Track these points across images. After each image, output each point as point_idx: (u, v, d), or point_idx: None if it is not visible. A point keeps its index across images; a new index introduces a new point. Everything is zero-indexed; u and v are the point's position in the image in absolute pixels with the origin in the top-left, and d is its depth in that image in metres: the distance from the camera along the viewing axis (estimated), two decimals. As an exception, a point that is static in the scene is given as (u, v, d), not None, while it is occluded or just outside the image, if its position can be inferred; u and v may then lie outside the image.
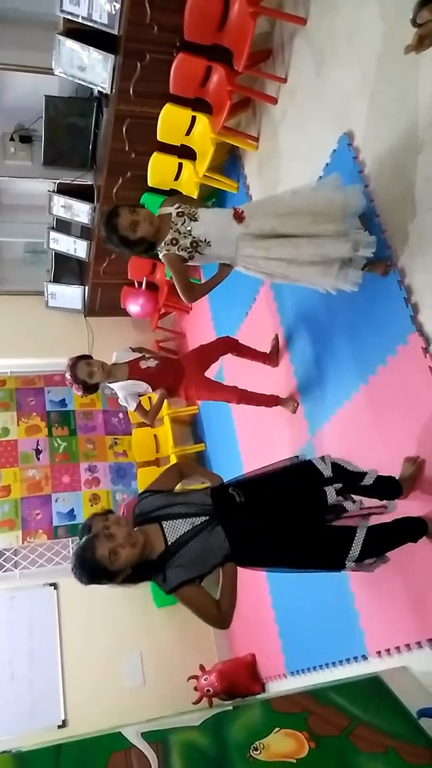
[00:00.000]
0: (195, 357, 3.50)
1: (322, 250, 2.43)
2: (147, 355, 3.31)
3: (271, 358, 3.60)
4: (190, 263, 2.54)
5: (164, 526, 1.96)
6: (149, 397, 3.44)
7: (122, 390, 3.20)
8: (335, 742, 2.08)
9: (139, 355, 3.30)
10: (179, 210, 2.49)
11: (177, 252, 2.47)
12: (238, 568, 2.03)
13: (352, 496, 2.18)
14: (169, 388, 3.27)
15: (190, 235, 2.45)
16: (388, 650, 2.56)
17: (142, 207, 2.47)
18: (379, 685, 2.38)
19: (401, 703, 2.26)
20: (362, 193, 2.50)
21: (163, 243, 2.47)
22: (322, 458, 2.19)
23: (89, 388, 3.14)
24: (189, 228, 2.45)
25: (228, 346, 3.55)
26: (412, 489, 2.34)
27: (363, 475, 2.22)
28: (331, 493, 2.06)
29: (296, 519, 2.05)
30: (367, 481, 2.22)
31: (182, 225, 2.46)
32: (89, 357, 3.19)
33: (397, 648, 2.50)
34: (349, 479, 2.17)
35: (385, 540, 2.14)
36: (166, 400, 3.45)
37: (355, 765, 1.99)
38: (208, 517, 1.98)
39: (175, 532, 1.94)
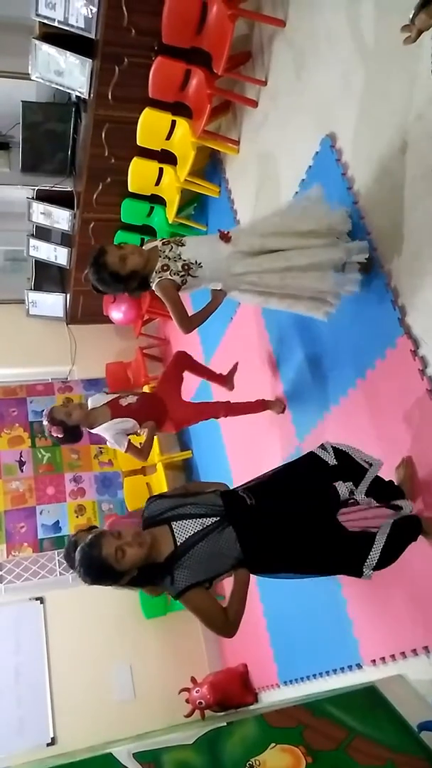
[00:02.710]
0: (166, 384, 3.46)
1: (313, 258, 2.41)
2: (123, 394, 3.23)
3: (227, 381, 3.60)
4: (183, 291, 2.46)
5: (174, 526, 1.90)
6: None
7: (108, 431, 3.08)
8: (333, 756, 2.02)
9: (116, 395, 3.21)
10: (165, 240, 2.49)
11: (170, 277, 2.41)
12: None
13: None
14: (156, 420, 3.19)
15: (180, 258, 2.41)
16: (383, 658, 2.52)
17: (126, 243, 2.45)
18: (375, 694, 2.33)
19: (398, 713, 2.21)
20: (347, 215, 2.48)
21: (154, 273, 2.42)
22: (322, 446, 2.12)
23: (70, 431, 3.03)
24: (178, 252, 2.42)
25: (184, 360, 3.53)
26: (415, 489, 2.29)
27: (366, 467, 2.14)
28: (342, 489, 2.01)
29: (310, 518, 1.99)
30: (371, 474, 2.14)
31: (170, 251, 2.43)
32: (64, 402, 3.16)
33: (392, 656, 2.46)
34: (353, 469, 2.10)
35: (397, 544, 2.07)
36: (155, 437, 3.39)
37: (353, 779, 1.94)
38: (218, 518, 1.92)
39: (185, 532, 1.88)
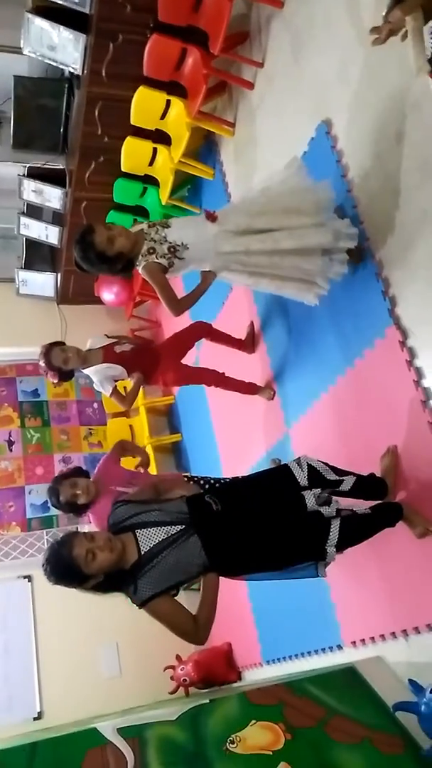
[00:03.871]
0: (171, 345, 3.46)
1: (301, 240, 2.40)
2: (122, 340, 3.26)
3: (246, 344, 3.58)
4: (170, 273, 2.45)
5: (138, 534, 1.88)
6: (124, 387, 3.39)
7: (97, 374, 3.14)
8: (311, 734, 2.09)
9: (114, 340, 3.24)
10: (150, 223, 2.48)
11: (156, 260, 2.39)
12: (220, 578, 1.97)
13: (331, 496, 2.13)
14: (145, 373, 3.22)
15: (166, 240, 2.40)
16: (363, 640, 2.58)
17: (114, 224, 2.43)
18: (354, 675, 2.41)
19: (376, 693, 2.29)
20: (331, 185, 2.46)
21: (140, 256, 2.40)
22: (298, 461, 2.13)
23: (64, 375, 3.07)
24: (164, 234, 2.41)
25: (202, 330, 3.51)
26: (397, 479, 2.33)
27: (339, 482, 2.18)
28: (309, 498, 2.02)
29: (274, 525, 2.00)
30: (344, 487, 2.18)
31: (156, 234, 2.41)
32: (63, 343, 3.12)
33: (372, 638, 2.52)
34: (325, 486, 2.13)
35: (363, 526, 2.13)
36: (141, 388, 3.41)
37: (330, 756, 2.01)
38: (183, 526, 1.90)
39: (149, 540, 1.86)
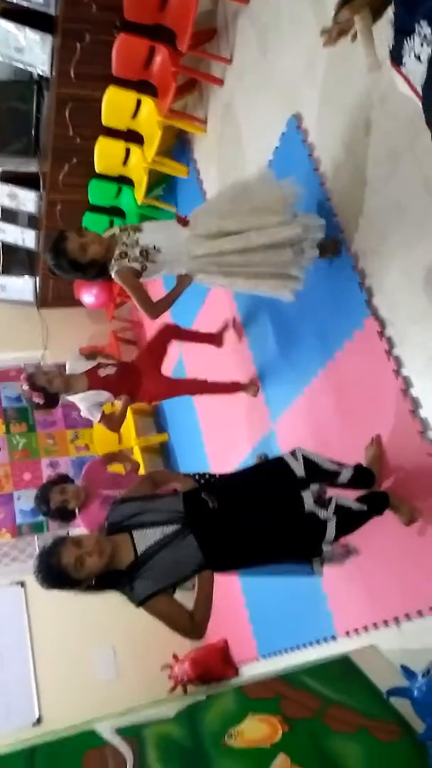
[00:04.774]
0: (147, 357, 3.45)
1: (272, 237, 2.40)
2: (103, 362, 3.21)
3: (216, 339, 3.59)
4: (144, 277, 2.45)
5: (134, 535, 1.89)
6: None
7: (84, 402, 3.10)
8: (308, 725, 2.11)
9: (94, 363, 3.19)
10: (122, 227, 2.48)
11: (128, 264, 2.39)
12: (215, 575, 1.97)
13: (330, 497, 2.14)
14: (131, 393, 3.20)
15: (138, 244, 2.40)
16: (356, 630, 2.61)
17: (87, 230, 2.43)
18: (349, 664, 2.43)
19: (371, 681, 2.31)
20: (297, 181, 2.47)
21: (113, 260, 2.40)
22: (293, 453, 2.13)
23: (50, 397, 3.02)
24: (135, 238, 2.40)
25: (170, 333, 3.51)
26: (382, 468, 2.35)
27: (337, 473, 2.20)
28: (308, 499, 2.02)
29: (270, 525, 2.00)
30: (342, 479, 2.20)
31: (128, 237, 2.41)
32: (43, 368, 3.13)
33: (365, 627, 2.55)
34: (323, 478, 2.15)
35: (353, 519, 2.13)
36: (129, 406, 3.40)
37: (328, 746, 2.03)
38: (179, 526, 1.91)
39: (145, 541, 1.87)
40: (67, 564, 1.79)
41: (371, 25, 1.31)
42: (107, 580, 1.87)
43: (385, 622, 2.43)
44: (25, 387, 3.01)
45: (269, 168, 2.57)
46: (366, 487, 2.31)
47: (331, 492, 2.16)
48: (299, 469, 2.08)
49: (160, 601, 1.86)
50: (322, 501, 2.05)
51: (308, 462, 2.12)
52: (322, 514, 2.01)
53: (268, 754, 1.96)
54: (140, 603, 1.85)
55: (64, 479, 3.18)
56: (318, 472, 2.13)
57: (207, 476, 3.04)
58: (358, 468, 2.28)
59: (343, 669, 2.43)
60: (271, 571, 2.11)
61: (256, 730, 2.06)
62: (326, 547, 2.00)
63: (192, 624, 1.90)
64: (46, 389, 2.97)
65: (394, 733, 2.08)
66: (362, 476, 2.29)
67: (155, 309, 2.55)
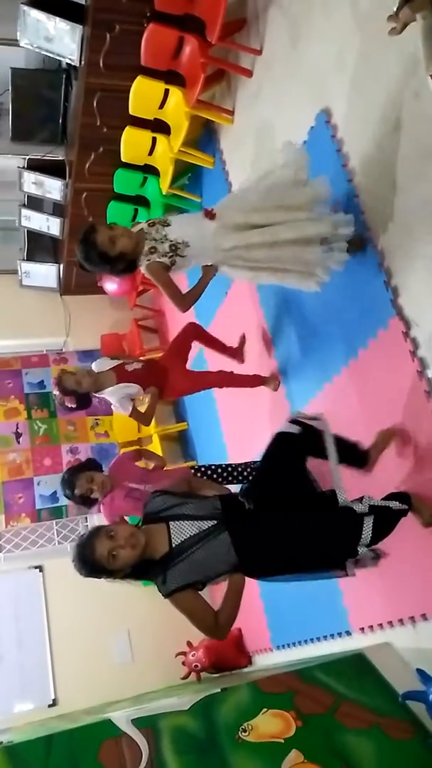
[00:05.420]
0: (172, 355, 3.47)
1: (301, 231, 2.39)
2: (128, 361, 3.27)
3: (237, 354, 3.60)
4: (173, 271, 2.47)
5: (171, 526, 1.92)
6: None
7: (114, 395, 3.13)
8: (322, 721, 2.13)
9: (121, 360, 3.24)
10: (150, 221, 2.47)
11: (158, 259, 2.41)
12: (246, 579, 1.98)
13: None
14: (158, 388, 3.23)
15: (167, 239, 2.41)
16: (371, 627, 2.62)
17: (117, 224, 2.43)
18: (363, 661, 2.44)
19: (384, 679, 2.33)
20: (329, 181, 2.44)
21: (142, 256, 2.42)
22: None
23: (81, 398, 3.08)
24: (164, 233, 2.42)
25: (193, 332, 3.53)
26: (377, 457, 2.36)
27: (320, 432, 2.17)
28: (341, 494, 2.00)
29: (307, 522, 1.98)
30: (326, 431, 2.17)
31: (156, 232, 2.42)
32: (71, 370, 3.19)
33: (380, 625, 2.56)
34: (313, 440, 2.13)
35: (389, 521, 2.08)
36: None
37: (341, 742, 2.05)
38: (215, 522, 1.92)
39: (181, 534, 1.89)
40: (100, 556, 1.84)
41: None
42: (141, 568, 1.90)
43: (401, 621, 2.43)
44: (56, 392, 3.05)
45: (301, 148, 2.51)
46: (353, 465, 2.28)
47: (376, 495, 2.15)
48: (292, 428, 2.11)
49: (188, 596, 1.88)
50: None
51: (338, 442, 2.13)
52: (357, 507, 1.99)
53: (281, 749, 1.99)
54: (168, 594, 1.87)
55: (92, 465, 3.21)
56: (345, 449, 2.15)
57: (230, 467, 3.08)
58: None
59: (357, 665, 2.45)
60: (301, 577, 2.09)
61: (269, 724, 2.09)
62: (362, 549, 1.97)
63: (215, 624, 1.92)
64: (77, 391, 3.02)
65: (407, 731, 2.10)
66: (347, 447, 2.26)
67: (185, 301, 2.58)
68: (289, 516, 1.99)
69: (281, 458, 2.14)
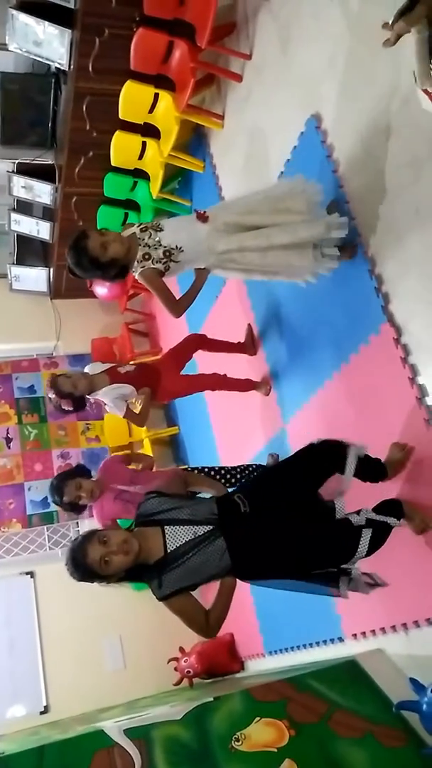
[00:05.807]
0: (169, 360, 3.46)
1: (294, 235, 2.39)
2: (120, 364, 3.28)
3: (247, 347, 3.56)
4: (167, 276, 2.46)
5: (166, 531, 1.90)
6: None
7: (107, 396, 3.12)
8: (315, 729, 2.13)
9: (113, 364, 3.25)
10: (142, 226, 2.46)
11: (152, 266, 2.40)
12: (239, 582, 1.99)
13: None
14: (151, 390, 3.21)
15: (161, 245, 2.40)
16: (363, 633, 2.62)
17: (108, 230, 2.42)
18: (356, 668, 2.44)
19: (377, 686, 2.33)
20: (322, 187, 2.45)
21: (136, 262, 2.41)
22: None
23: (77, 401, 3.07)
24: (157, 239, 2.41)
25: (197, 343, 3.50)
26: (397, 474, 2.33)
27: (346, 447, 2.14)
28: (340, 505, 2.01)
29: (302, 531, 1.98)
30: (350, 463, 2.12)
31: (149, 238, 2.41)
32: (64, 373, 3.15)
33: (373, 631, 2.55)
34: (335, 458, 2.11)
35: (383, 533, 2.10)
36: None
37: (335, 751, 2.05)
38: (211, 527, 1.91)
39: (176, 540, 1.88)
40: (92, 561, 1.82)
41: (426, 38, 1.30)
42: (135, 572, 1.89)
43: (393, 628, 2.43)
44: (52, 395, 3.03)
45: (295, 175, 2.51)
46: (372, 480, 2.27)
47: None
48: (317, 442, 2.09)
49: (181, 599, 1.90)
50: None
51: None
52: (354, 519, 2.00)
53: (274, 759, 1.98)
54: (163, 598, 1.88)
55: (80, 472, 3.19)
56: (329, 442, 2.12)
57: (224, 470, 3.06)
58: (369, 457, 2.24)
59: (349, 672, 2.45)
60: (293, 587, 2.08)
61: (263, 734, 2.09)
62: (354, 568, 1.98)
63: (206, 624, 1.94)
64: (73, 394, 3.01)
65: (400, 739, 2.10)
66: (371, 466, 2.24)
67: (179, 307, 2.57)
68: (285, 522, 1.99)
69: (295, 480, 2.11)
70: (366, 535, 1.96)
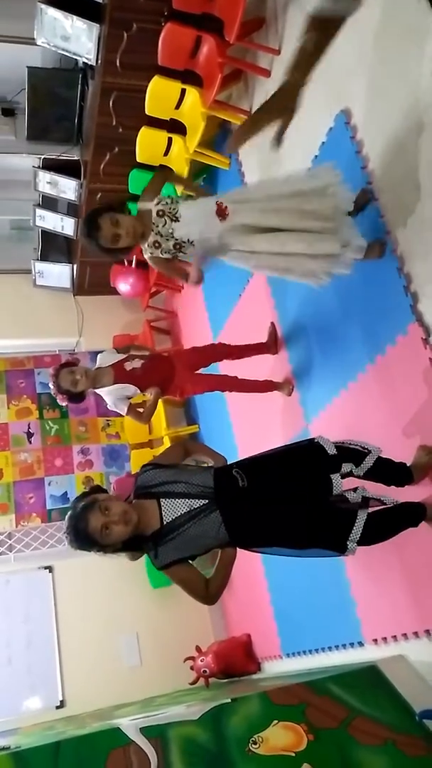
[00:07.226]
0: (188, 357, 3.43)
1: (310, 247, 2.34)
2: (134, 354, 3.21)
3: (269, 346, 3.51)
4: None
5: (162, 503, 1.93)
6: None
7: (110, 396, 3.12)
8: (334, 735, 2.09)
9: (124, 356, 3.20)
10: (159, 209, 2.43)
11: (161, 255, 2.47)
12: (238, 550, 2.02)
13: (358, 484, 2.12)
14: (161, 385, 3.18)
15: (173, 237, 2.42)
16: (384, 638, 2.57)
17: (123, 214, 2.41)
18: (377, 674, 2.39)
19: (398, 693, 2.27)
20: (351, 189, 2.40)
21: (146, 244, 2.45)
22: (320, 438, 2.13)
23: (74, 397, 3.06)
24: (171, 230, 2.41)
25: (220, 354, 3.46)
26: (423, 478, 2.29)
27: (364, 453, 2.15)
28: (337, 482, 2.02)
29: (299, 506, 2.00)
30: (368, 462, 2.14)
31: (163, 227, 2.41)
32: (72, 364, 3.11)
33: (394, 637, 2.50)
34: (352, 457, 2.11)
35: (386, 524, 2.11)
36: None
37: (355, 758, 2.00)
38: (207, 501, 1.93)
39: (172, 512, 1.91)
40: (93, 529, 1.84)
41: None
42: (132, 543, 1.93)
43: (416, 634, 2.38)
44: (51, 385, 3.04)
45: (333, 170, 2.42)
46: (396, 484, 2.25)
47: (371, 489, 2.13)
48: (330, 448, 2.08)
49: (180, 569, 1.94)
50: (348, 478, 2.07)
51: (338, 446, 2.12)
52: (350, 496, 2.03)
53: (292, 763, 1.94)
54: (162, 567, 1.93)
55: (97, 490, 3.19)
56: (347, 451, 2.12)
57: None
58: (386, 460, 2.22)
59: (370, 678, 2.40)
60: (296, 554, 2.07)
61: (280, 737, 2.05)
62: (351, 545, 1.97)
63: (206, 592, 1.97)
64: (70, 391, 3.00)
65: (421, 747, 2.05)
66: (392, 469, 2.23)
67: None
68: (281, 498, 2.00)
69: (298, 461, 2.10)
70: (362, 516, 1.97)
